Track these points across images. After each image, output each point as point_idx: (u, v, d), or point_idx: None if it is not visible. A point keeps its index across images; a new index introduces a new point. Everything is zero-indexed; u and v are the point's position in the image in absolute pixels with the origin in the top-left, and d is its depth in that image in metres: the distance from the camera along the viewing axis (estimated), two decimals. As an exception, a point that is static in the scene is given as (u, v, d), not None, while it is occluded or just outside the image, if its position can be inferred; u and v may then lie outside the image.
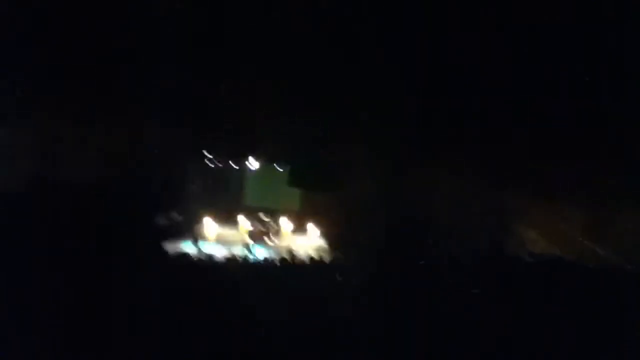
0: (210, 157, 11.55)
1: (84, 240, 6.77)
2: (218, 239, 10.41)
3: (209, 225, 10.58)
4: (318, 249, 10.24)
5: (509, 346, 5.63)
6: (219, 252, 9.45)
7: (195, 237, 10.21)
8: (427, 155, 8.94)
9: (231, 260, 8.80)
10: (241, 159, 11.41)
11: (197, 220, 10.54)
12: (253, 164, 11.39)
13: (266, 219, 10.90)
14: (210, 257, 8.78)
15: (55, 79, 7.88)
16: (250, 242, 10.45)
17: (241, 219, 10.76)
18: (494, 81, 7.55)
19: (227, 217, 10.78)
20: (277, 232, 10.83)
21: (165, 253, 8.65)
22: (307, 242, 10.49)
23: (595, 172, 7.91)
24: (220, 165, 11.40)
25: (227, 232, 10.55)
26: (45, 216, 6.90)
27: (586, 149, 7.71)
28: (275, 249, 10.35)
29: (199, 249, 9.85)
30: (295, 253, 9.36)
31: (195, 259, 8.59)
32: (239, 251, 9.97)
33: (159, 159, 10.16)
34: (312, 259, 9.09)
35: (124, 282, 6.17)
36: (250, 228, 10.68)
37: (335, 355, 5.67)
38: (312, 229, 10.78)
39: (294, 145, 10.56)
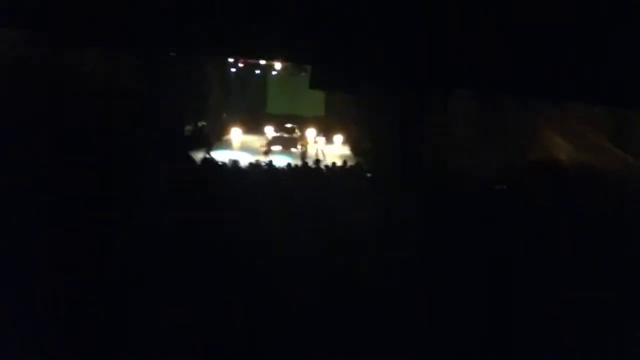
0: (233, 62, 11.35)
1: (111, 150, 6.85)
2: (242, 146, 10.49)
3: (234, 133, 10.64)
4: (342, 156, 10.25)
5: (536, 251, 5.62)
6: (244, 159, 9.56)
7: (220, 145, 10.31)
8: (445, 63, 8.64)
9: (255, 167, 8.91)
10: (263, 65, 11.19)
11: (221, 127, 10.59)
12: (276, 68, 11.16)
13: (290, 126, 10.88)
14: (234, 164, 8.89)
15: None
16: (275, 148, 10.52)
17: (266, 126, 10.78)
18: None
19: (251, 124, 10.80)
20: (301, 139, 10.84)
21: (190, 160, 8.79)
22: (331, 149, 10.49)
23: (619, 74, 7.57)
24: (244, 70, 11.22)
25: (251, 139, 10.61)
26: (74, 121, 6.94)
27: (612, 51, 7.32)
28: (299, 155, 10.39)
29: (224, 156, 9.97)
30: (320, 160, 9.39)
31: (219, 166, 8.71)
32: (263, 158, 10.07)
33: (180, 66, 10.04)
34: (335, 165, 9.14)
35: (149, 189, 6.28)
36: (275, 134, 10.71)
37: (355, 260, 5.80)
38: (336, 135, 10.75)
39: (317, 48, 10.23)
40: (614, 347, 4.42)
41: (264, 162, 9.47)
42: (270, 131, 10.71)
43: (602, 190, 6.61)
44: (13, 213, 4.79)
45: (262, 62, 11.36)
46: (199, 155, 9.46)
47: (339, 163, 9.30)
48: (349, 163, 9.60)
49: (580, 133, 9.24)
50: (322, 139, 10.96)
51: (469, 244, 5.72)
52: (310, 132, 10.99)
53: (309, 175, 8.48)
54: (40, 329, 4.18)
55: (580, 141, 9.15)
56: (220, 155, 9.93)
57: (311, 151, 10.44)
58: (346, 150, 10.65)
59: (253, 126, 10.94)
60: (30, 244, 4.66)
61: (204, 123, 10.52)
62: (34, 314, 4.24)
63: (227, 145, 10.47)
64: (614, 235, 5.63)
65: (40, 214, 5.03)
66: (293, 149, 10.67)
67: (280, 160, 10.09)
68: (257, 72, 11.41)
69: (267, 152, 10.54)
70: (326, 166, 8.96)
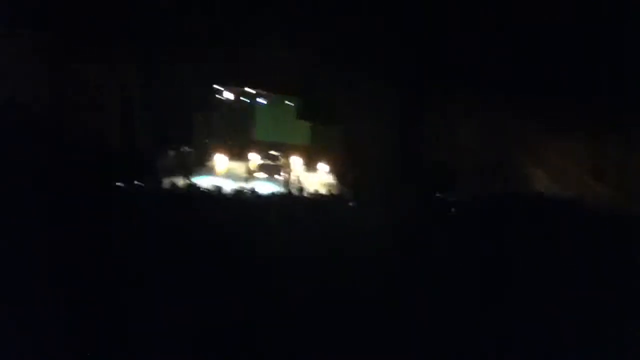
0: (222, 90, 11.42)
1: (92, 175, 6.78)
2: (228, 173, 10.45)
3: (220, 160, 10.60)
4: (327, 185, 10.25)
5: (513, 283, 5.63)
6: (229, 186, 9.50)
7: (206, 171, 10.26)
8: (435, 94, 8.76)
9: (241, 194, 8.85)
10: (252, 94, 11.27)
11: (208, 154, 10.56)
12: (264, 98, 11.25)
13: (276, 154, 10.89)
14: (219, 191, 8.83)
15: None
16: (261, 176, 10.48)
17: (252, 153, 10.77)
18: (501, 18, 7.31)
19: (237, 152, 10.79)
20: (287, 167, 10.84)
21: (176, 187, 8.71)
22: (316, 178, 10.50)
23: (601, 110, 7.73)
24: (232, 99, 11.29)
25: (237, 166, 10.59)
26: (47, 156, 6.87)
27: (592, 86, 7.49)
28: (285, 183, 10.37)
29: (209, 183, 9.92)
30: (304, 187, 9.36)
31: (205, 193, 8.65)
32: (249, 185, 10.01)
33: (168, 94, 10.06)
34: (320, 194, 9.12)
35: (133, 217, 6.21)
36: (261, 162, 10.70)
37: (341, 288, 5.73)
38: (322, 164, 10.76)
39: (305, 79, 10.35)
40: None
41: (248, 188, 9.41)
42: (255, 158, 10.71)
43: (581, 221, 6.66)
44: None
45: (250, 90, 11.48)
46: (182, 181, 9.40)
47: (323, 191, 9.29)
48: (333, 192, 9.59)
49: (561, 166, 9.37)
50: (307, 167, 10.97)
51: (452, 279, 5.71)
52: (296, 160, 11.00)
53: (292, 202, 8.45)
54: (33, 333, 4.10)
55: (560, 174, 9.27)
56: (204, 181, 9.87)
57: (295, 179, 10.44)
58: (331, 179, 10.66)
59: (238, 153, 10.92)
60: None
61: (188, 149, 10.49)
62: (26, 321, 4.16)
63: (211, 172, 10.42)
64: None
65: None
66: (277, 177, 10.66)
67: (264, 187, 10.04)
68: (245, 99, 11.48)
69: (251, 179, 10.51)
70: (310, 194, 8.94)
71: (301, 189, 9.19)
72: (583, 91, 7.38)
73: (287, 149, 10.94)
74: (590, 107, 8.01)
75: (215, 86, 11.38)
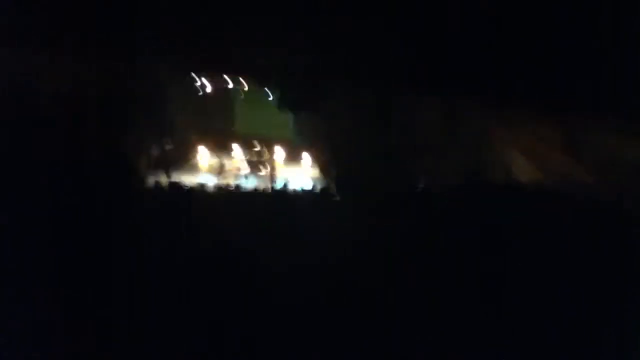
0: (199, 81, 11.19)
1: (72, 173, 6.59)
2: (209, 168, 10.31)
3: (200, 154, 10.44)
4: (311, 178, 10.18)
5: (494, 275, 5.69)
6: (211, 181, 9.38)
7: (186, 166, 10.10)
8: (414, 82, 8.74)
9: (223, 190, 8.75)
10: (231, 84, 11.07)
11: (188, 148, 10.38)
12: (244, 88, 11.05)
13: (258, 147, 10.76)
14: (202, 186, 8.72)
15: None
16: (243, 170, 10.37)
17: (234, 147, 10.63)
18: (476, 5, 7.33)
19: (218, 145, 10.62)
20: (270, 160, 10.73)
21: (156, 184, 8.55)
22: (300, 171, 10.42)
23: (579, 95, 7.79)
24: (210, 89, 11.06)
25: (217, 160, 10.44)
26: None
27: (571, 69, 7.54)
28: (268, 177, 10.28)
29: (189, 178, 9.76)
30: (287, 181, 9.30)
31: (186, 188, 8.52)
32: (231, 180, 9.91)
33: (144, 84, 9.81)
34: (304, 187, 9.07)
35: (115, 216, 6.08)
36: (243, 157, 10.57)
37: (328, 287, 5.73)
38: (305, 157, 10.67)
39: (286, 68, 10.19)
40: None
41: (231, 184, 9.31)
42: (237, 153, 10.58)
43: (560, 209, 6.73)
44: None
45: (230, 81, 11.27)
46: (163, 178, 9.23)
47: (307, 186, 9.24)
48: (317, 186, 9.55)
49: (538, 151, 9.45)
50: (290, 161, 10.88)
51: (436, 267, 5.74)
52: (278, 154, 10.89)
53: (277, 198, 8.37)
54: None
55: (537, 160, 9.35)
56: (186, 178, 9.72)
57: (279, 173, 10.36)
58: (314, 173, 10.58)
59: (219, 147, 10.76)
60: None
61: (169, 144, 10.29)
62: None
63: (193, 167, 10.27)
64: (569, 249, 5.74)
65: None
66: (260, 171, 10.56)
67: (248, 182, 9.95)
68: (224, 91, 11.27)
69: (233, 175, 10.39)
70: (294, 189, 8.88)
71: (285, 184, 9.13)
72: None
73: (269, 142, 10.83)
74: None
75: (192, 76, 11.16)
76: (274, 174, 10.36)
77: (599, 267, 5.40)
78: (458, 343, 4.87)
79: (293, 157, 10.55)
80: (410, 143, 9.86)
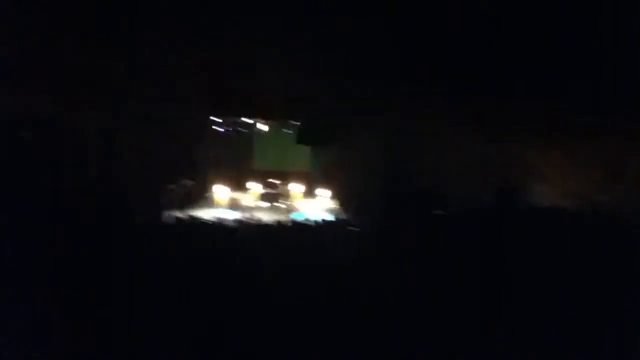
0: (219, 121, 11.50)
1: (88, 210, 6.77)
2: (230, 203, 10.46)
3: (221, 190, 10.62)
4: (329, 210, 10.27)
5: (514, 299, 5.63)
6: (231, 217, 9.50)
7: (207, 203, 10.26)
8: (431, 110, 8.83)
9: (244, 224, 8.84)
10: (249, 123, 11.35)
11: (208, 185, 10.58)
12: (261, 126, 11.31)
13: (277, 182, 10.92)
14: (222, 222, 8.83)
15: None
16: (263, 205, 10.50)
17: (252, 183, 10.80)
18: (491, 26, 7.40)
19: (237, 182, 10.81)
20: (288, 195, 10.86)
21: (178, 220, 8.71)
22: (319, 204, 10.52)
23: (603, 122, 7.76)
24: (229, 129, 11.36)
25: (238, 196, 10.60)
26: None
27: (591, 98, 7.54)
28: (287, 211, 10.38)
29: (212, 214, 9.92)
30: (305, 214, 9.36)
31: (207, 224, 8.65)
32: (251, 215, 10.02)
33: (166, 125, 10.11)
34: (323, 220, 9.11)
35: (136, 251, 6.19)
36: (262, 191, 10.72)
37: (346, 315, 5.72)
38: (323, 190, 10.79)
39: (302, 105, 10.43)
40: None
41: (252, 218, 9.42)
42: (257, 187, 10.74)
43: (584, 235, 6.67)
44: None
45: (247, 119, 11.57)
46: (184, 213, 9.40)
47: (325, 217, 9.29)
48: (337, 218, 9.60)
49: (562, 178, 9.41)
50: (307, 194, 11.00)
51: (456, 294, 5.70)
52: (298, 188, 11.03)
53: (298, 231, 8.44)
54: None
55: (562, 187, 9.30)
56: (206, 213, 9.87)
57: (299, 206, 10.46)
58: (332, 204, 10.68)
59: (239, 183, 10.94)
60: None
61: (190, 180, 10.51)
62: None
63: (213, 203, 10.43)
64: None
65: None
66: (281, 205, 10.68)
67: (268, 216, 10.05)
68: (243, 128, 11.55)
69: (253, 209, 10.52)
70: (315, 221, 8.94)
71: (303, 216, 9.20)
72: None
73: (286, 176, 10.99)
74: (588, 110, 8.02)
75: (211, 117, 11.48)
76: (292, 206, 10.48)
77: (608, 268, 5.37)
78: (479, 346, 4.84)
79: (311, 189, 10.69)
80: (428, 172, 9.92)
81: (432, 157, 9.85)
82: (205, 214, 9.75)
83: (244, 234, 8.30)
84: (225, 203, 10.55)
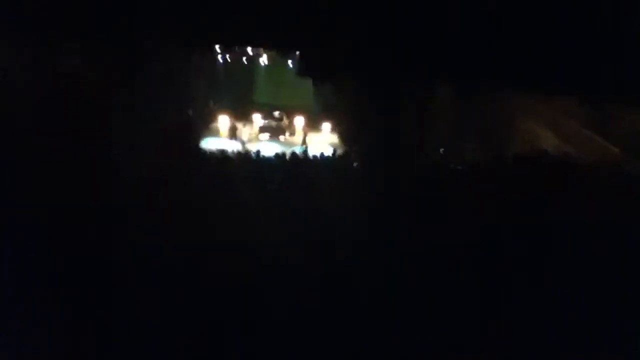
0: (220, 51, 11.26)
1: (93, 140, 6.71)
2: (230, 134, 10.44)
3: (222, 121, 10.57)
4: (330, 144, 10.25)
5: (517, 249, 5.62)
6: (231, 147, 9.51)
7: (207, 133, 10.24)
8: (431, 52, 8.65)
9: (244, 156, 8.85)
10: (252, 53, 11.13)
11: (208, 116, 10.51)
12: (264, 58, 11.11)
13: (279, 115, 10.84)
14: (222, 153, 8.83)
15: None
16: (263, 137, 10.48)
17: (254, 115, 10.72)
18: None
19: (238, 113, 10.73)
20: (289, 127, 10.81)
21: (178, 149, 8.70)
22: (320, 138, 10.49)
23: (601, 66, 7.63)
24: (231, 59, 11.16)
25: (239, 127, 10.56)
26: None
27: (589, 43, 7.38)
28: (288, 144, 10.37)
29: (213, 145, 9.91)
30: (307, 148, 9.35)
31: (207, 155, 8.65)
32: (253, 147, 10.02)
33: (166, 54, 9.91)
34: (324, 154, 9.12)
35: (135, 181, 6.18)
36: (263, 123, 10.67)
37: (345, 252, 5.77)
38: (325, 124, 10.73)
39: (305, 37, 10.15)
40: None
41: (252, 150, 9.41)
42: (258, 119, 10.67)
43: (589, 184, 6.68)
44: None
45: (249, 50, 11.32)
46: (185, 143, 9.38)
47: (327, 152, 9.28)
48: (337, 152, 9.60)
49: (564, 125, 9.36)
50: (310, 128, 10.95)
51: (456, 240, 5.74)
52: (298, 121, 10.96)
53: (298, 164, 8.46)
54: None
55: (565, 133, 9.27)
56: (207, 144, 9.87)
57: (299, 139, 10.44)
58: (334, 139, 10.65)
59: (240, 115, 10.87)
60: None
61: (190, 111, 10.45)
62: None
63: (214, 134, 10.41)
64: (603, 232, 5.69)
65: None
66: (281, 137, 10.65)
67: (269, 149, 10.07)
68: (244, 60, 11.35)
69: (255, 141, 10.52)
70: (314, 155, 8.94)
71: (305, 150, 9.19)
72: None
73: (289, 110, 10.89)
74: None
75: (214, 47, 11.22)
76: (293, 141, 10.47)
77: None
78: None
79: (313, 124, 10.62)
80: (430, 115, 9.83)
81: (433, 102, 9.73)
82: (206, 144, 9.74)
83: (245, 166, 8.33)
84: (227, 134, 10.52)
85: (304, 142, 10.02)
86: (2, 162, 5.19)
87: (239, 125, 10.67)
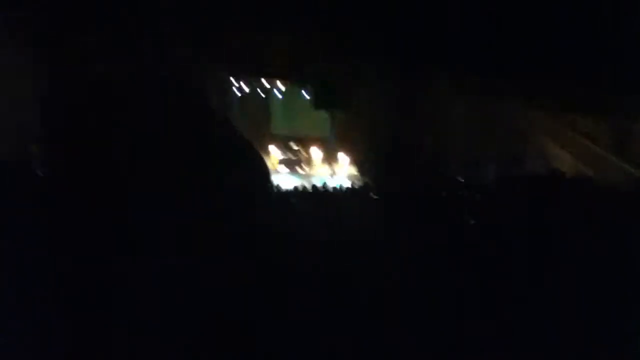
0: (236, 84, 11.32)
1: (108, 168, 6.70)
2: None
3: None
4: (349, 176, 10.19)
5: (530, 267, 5.54)
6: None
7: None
8: (446, 73, 8.64)
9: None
10: (267, 85, 11.18)
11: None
12: (279, 89, 11.15)
13: (296, 147, 10.82)
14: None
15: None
16: (282, 171, 10.43)
17: (272, 147, 10.70)
18: None
19: (256, 146, 10.70)
20: (308, 160, 10.77)
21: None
22: (338, 169, 10.43)
23: (617, 85, 7.55)
24: (246, 91, 11.20)
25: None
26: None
27: (605, 61, 7.31)
28: (306, 177, 10.32)
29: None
30: (326, 180, 9.30)
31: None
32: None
33: (182, 85, 9.95)
34: (343, 186, 9.06)
35: (152, 211, 6.13)
36: (281, 157, 10.63)
37: (366, 279, 5.68)
38: (342, 156, 10.68)
39: (320, 68, 10.22)
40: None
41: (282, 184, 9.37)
42: (275, 152, 10.65)
43: (600, 198, 6.54)
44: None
45: (265, 82, 11.37)
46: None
47: (345, 184, 9.22)
48: (356, 184, 9.52)
49: (576, 140, 9.23)
50: (327, 159, 10.91)
51: (472, 269, 5.65)
52: (316, 153, 10.92)
53: (317, 196, 8.39)
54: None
55: (576, 148, 9.14)
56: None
57: (318, 171, 10.39)
58: (352, 171, 10.59)
59: (258, 147, 10.84)
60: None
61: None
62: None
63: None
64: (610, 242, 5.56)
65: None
66: (299, 170, 10.61)
67: (287, 182, 10.02)
68: (260, 92, 11.40)
69: (273, 174, 10.48)
70: (334, 187, 8.88)
71: (323, 183, 9.13)
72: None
73: (306, 142, 10.87)
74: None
75: (228, 79, 11.28)
76: (311, 173, 10.41)
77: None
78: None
79: (330, 156, 10.57)
80: (448, 140, 9.76)
81: (449, 124, 9.66)
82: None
83: (264, 199, 8.26)
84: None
85: (333, 173, 9.96)
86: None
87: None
